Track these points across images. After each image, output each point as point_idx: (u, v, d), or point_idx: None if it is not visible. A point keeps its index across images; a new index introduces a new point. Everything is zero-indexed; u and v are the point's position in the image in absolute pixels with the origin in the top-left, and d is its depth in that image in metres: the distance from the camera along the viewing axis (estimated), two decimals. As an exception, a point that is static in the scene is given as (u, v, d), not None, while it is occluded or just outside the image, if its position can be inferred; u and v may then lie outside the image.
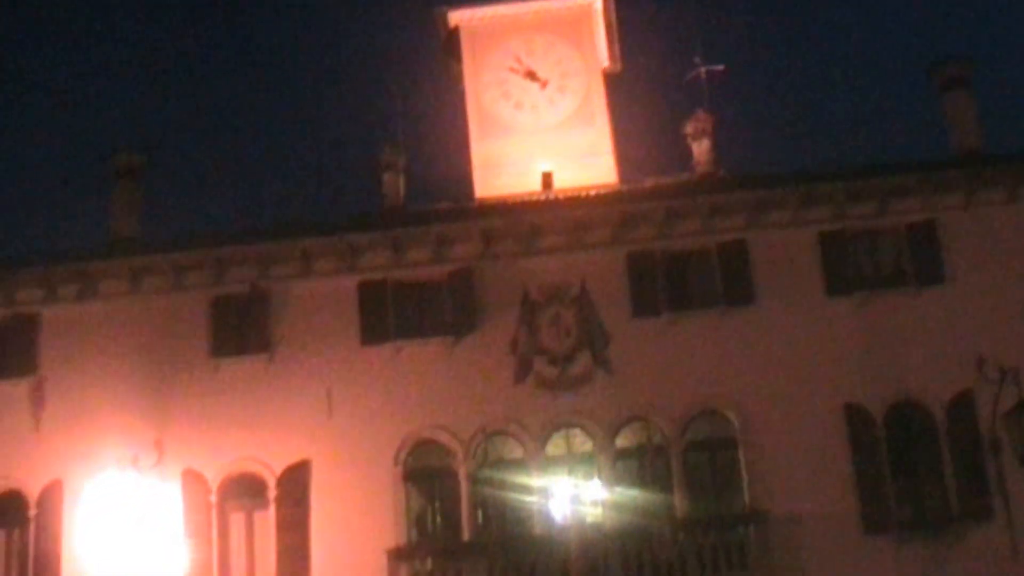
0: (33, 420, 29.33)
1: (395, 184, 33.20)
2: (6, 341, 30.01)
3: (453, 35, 35.76)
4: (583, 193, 30.87)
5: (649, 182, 31.80)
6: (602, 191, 31.31)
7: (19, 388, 29.56)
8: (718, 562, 26.92)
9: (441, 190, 33.01)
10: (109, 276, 30.00)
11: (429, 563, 27.51)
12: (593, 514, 27.83)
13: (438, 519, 28.73)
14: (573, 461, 28.31)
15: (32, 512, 28.84)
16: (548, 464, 28.20)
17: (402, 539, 27.95)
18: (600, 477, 27.90)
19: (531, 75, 34.27)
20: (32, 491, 28.93)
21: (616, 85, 34.94)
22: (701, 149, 32.80)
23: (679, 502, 27.81)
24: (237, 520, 28.78)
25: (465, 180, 33.22)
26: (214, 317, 29.70)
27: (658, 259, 29.29)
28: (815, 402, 28.11)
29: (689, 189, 30.50)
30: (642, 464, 28.40)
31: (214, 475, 28.65)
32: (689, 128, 32.97)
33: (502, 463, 28.53)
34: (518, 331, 28.85)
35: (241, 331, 29.54)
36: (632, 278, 29.20)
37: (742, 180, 30.43)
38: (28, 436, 29.25)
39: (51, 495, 28.81)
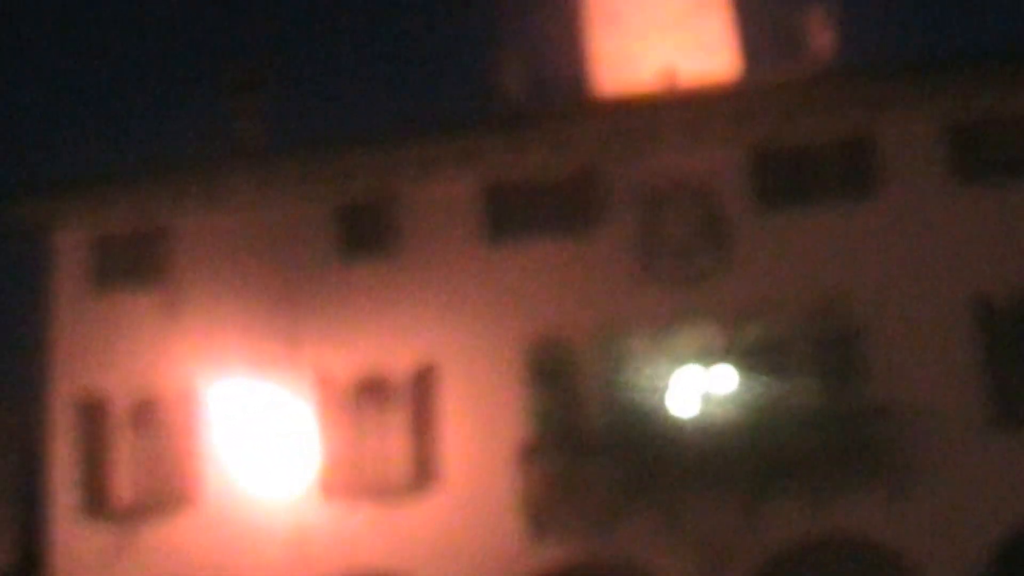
0: (169, 328, 30.05)
1: (514, 84, 33.13)
2: (138, 252, 30.57)
3: (569, -74, 35.48)
4: (704, 88, 30.60)
5: (770, 75, 31.41)
6: (723, 85, 31.03)
7: (152, 298, 30.23)
8: (846, 456, 26.91)
9: (560, 89, 32.91)
10: (236, 186, 30.40)
11: (558, 459, 27.85)
12: (720, 411, 28.05)
13: (566, 416, 29.00)
14: (699, 357, 28.51)
15: (169, 417, 29.68)
16: (674, 361, 28.39)
17: (531, 436, 28.26)
18: (726, 372, 28.11)
19: (648, -32, 33.90)
20: (168, 397, 29.73)
21: (735, -24, 34.48)
22: (823, 40, 32.40)
23: (805, 396, 27.73)
24: (370, 419, 29.25)
25: (584, 78, 33.09)
26: (340, 223, 29.99)
27: (781, 153, 28.97)
28: (942, 294, 27.76)
29: (811, 81, 30.07)
30: (769, 359, 28.31)
31: (346, 376, 29.14)
32: (810, 19, 32.57)
33: (629, 360, 28.63)
34: (641, 228, 28.90)
35: (367, 236, 29.77)
36: (755, 172, 28.94)
37: (865, 70, 29.91)
38: (163, 344, 29.97)
39: (187, 401, 29.58)
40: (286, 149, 31.09)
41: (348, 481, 28.78)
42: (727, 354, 28.17)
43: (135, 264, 30.60)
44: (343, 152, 30.07)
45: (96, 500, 29.71)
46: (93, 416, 29.93)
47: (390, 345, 29.11)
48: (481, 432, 28.41)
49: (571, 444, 28.23)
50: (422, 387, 28.86)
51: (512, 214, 29.39)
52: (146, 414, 30.00)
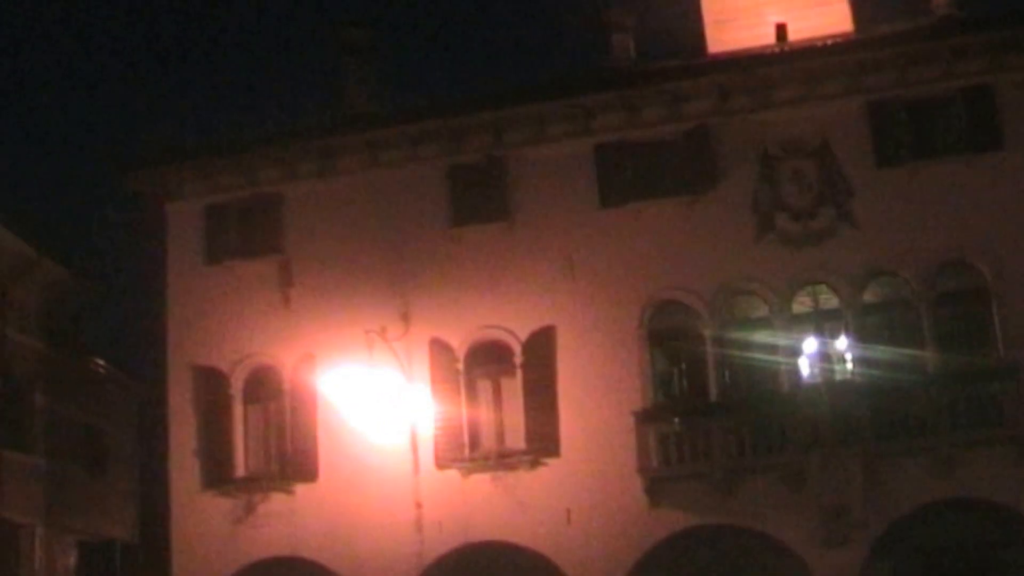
0: (282, 297, 30.05)
1: (625, 43, 32.56)
2: (251, 221, 30.66)
3: None
4: (818, 43, 29.92)
5: (886, 28, 30.59)
6: (838, 39, 30.28)
7: (267, 266, 30.24)
8: (972, 417, 26.29)
9: (672, 47, 32.37)
10: (346, 152, 30.36)
11: (676, 424, 27.44)
12: (842, 371, 27.52)
13: (684, 380, 28.67)
14: (819, 318, 27.90)
15: (287, 386, 29.68)
16: (794, 322, 27.78)
17: (648, 401, 27.94)
18: (848, 333, 27.51)
19: (755, -76, 33.13)
20: (286, 365, 29.73)
21: (848, -72, 33.61)
22: (940, -12, 31.64)
23: (930, 357, 27.07)
24: (484, 387, 29.12)
25: (696, 35, 32.50)
26: (452, 187, 29.78)
27: (899, 107, 28.24)
28: (1070, 249, 27.06)
29: (929, 32, 29.25)
30: (891, 318, 27.81)
31: (460, 343, 28.96)
32: (927, -33, 31.81)
33: (746, 322, 28.22)
34: (758, 187, 28.40)
35: (479, 199, 29.52)
36: (873, 128, 28.28)
37: (985, 20, 29.00)
38: (279, 313, 30.02)
39: (304, 368, 29.57)
40: (396, 112, 31.02)
41: (464, 451, 28.61)
42: (848, 313, 27.62)
43: (247, 233, 30.69)
44: (454, 114, 29.83)
45: (215, 472, 29.85)
46: (210, 388, 30.08)
47: (505, 310, 28.87)
48: (599, 396, 28.07)
49: (689, 408, 27.92)
50: (538, 353, 28.57)
51: (626, 174, 28.97)
52: (262, 385, 30.13)
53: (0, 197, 39.76)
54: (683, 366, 28.68)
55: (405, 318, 29.13)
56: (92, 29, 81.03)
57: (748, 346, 27.83)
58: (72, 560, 39.55)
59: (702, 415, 27.51)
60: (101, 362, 41.65)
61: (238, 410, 30.00)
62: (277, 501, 29.31)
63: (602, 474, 27.67)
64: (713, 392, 27.93)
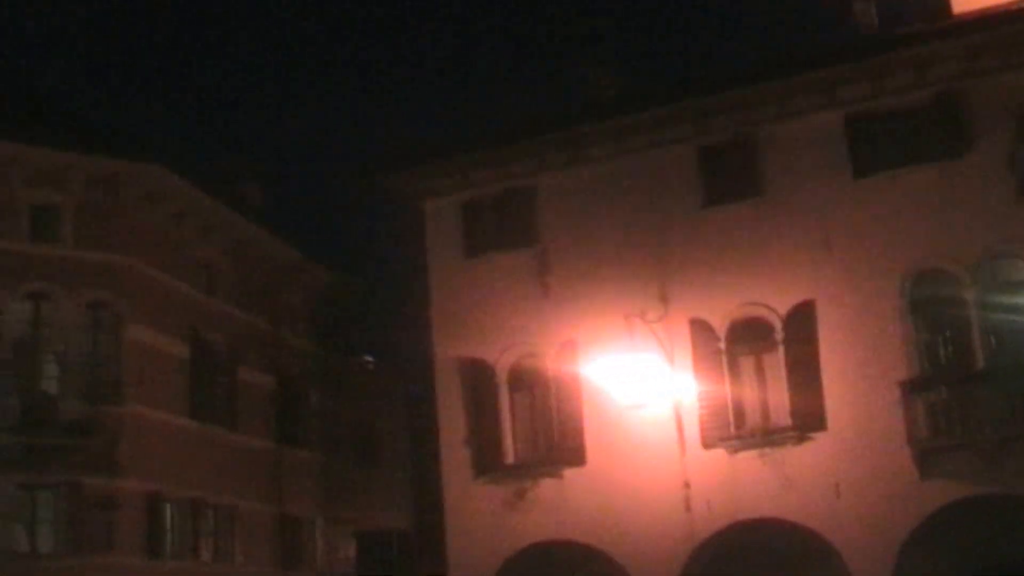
0: (541, 286, 30.53)
1: (867, 11, 32.31)
2: (507, 213, 31.25)
3: None
4: (1068, -7, 29.22)
5: None
6: (1088, -12, 29.56)
7: (524, 257, 30.81)
8: None
9: (915, 11, 31.91)
10: (595, 139, 30.66)
11: (944, 393, 26.93)
12: (1115, 332, 26.81)
13: (949, 348, 28.00)
14: (1086, 276, 27.26)
15: (550, 372, 30.15)
16: (1059, 281, 27.16)
17: (914, 370, 27.47)
18: (1118, 291, 26.82)
19: None
20: (548, 353, 30.24)
21: None
22: None
23: None
24: (747, 364, 29.06)
25: (940, -5, 32.05)
26: (702, 167, 29.82)
27: None
28: None
29: None
30: None
31: (720, 322, 28.99)
32: None
33: (1011, 285, 27.46)
34: (1014, 147, 27.62)
35: (730, 178, 29.50)
36: None
37: None
38: (539, 302, 30.51)
39: (566, 355, 30.01)
40: (644, 97, 31.27)
41: (730, 429, 28.64)
42: (1117, 271, 26.87)
43: (503, 225, 31.33)
44: (701, 94, 29.86)
45: (485, 461, 30.53)
46: (476, 378, 30.78)
47: (762, 287, 28.76)
48: (863, 368, 27.74)
49: (956, 377, 27.33)
50: (799, 328, 28.43)
51: (877, 143, 28.59)
52: (526, 373, 30.65)
53: (266, 205, 41.07)
54: (947, 334, 28.02)
55: (663, 300, 29.31)
56: (346, 39, 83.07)
57: (1014, 310, 27.13)
58: (351, 550, 40.88)
59: (970, 383, 26.97)
60: (369, 359, 42.92)
61: (504, 399, 30.62)
62: (546, 486, 29.80)
63: (870, 446, 27.37)
64: (980, 359, 27.35)
